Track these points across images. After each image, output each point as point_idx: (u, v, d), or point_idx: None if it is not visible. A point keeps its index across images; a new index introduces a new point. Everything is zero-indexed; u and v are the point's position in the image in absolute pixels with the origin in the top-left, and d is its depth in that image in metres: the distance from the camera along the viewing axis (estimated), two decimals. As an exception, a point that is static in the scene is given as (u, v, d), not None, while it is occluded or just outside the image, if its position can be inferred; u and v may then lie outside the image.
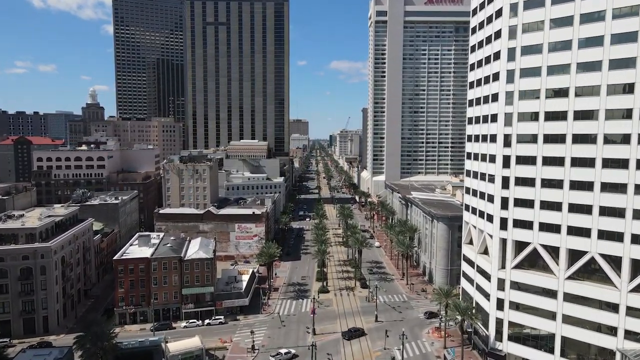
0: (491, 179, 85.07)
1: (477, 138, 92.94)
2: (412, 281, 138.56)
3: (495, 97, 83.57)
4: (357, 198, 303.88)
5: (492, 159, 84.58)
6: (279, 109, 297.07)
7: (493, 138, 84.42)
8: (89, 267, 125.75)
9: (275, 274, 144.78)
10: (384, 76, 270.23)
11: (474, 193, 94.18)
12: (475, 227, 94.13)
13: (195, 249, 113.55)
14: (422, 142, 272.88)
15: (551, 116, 75.85)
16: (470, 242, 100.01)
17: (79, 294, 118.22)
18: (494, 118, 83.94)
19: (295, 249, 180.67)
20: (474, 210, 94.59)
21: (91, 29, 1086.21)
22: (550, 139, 76.15)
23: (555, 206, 75.91)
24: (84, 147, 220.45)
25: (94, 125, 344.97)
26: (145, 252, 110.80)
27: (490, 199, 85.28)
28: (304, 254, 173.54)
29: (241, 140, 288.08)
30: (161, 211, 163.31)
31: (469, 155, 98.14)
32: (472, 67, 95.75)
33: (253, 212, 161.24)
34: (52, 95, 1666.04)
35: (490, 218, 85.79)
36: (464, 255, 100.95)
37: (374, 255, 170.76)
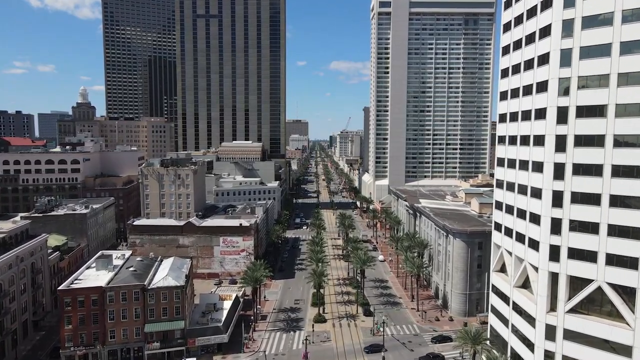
0: (536, 193, 65.14)
1: (513, 140, 73.00)
2: (423, 306, 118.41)
3: (543, 86, 63.68)
4: (358, 203, 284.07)
5: (538, 167, 64.66)
6: (275, 108, 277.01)
7: (539, 140, 64.49)
8: (40, 293, 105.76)
9: (264, 297, 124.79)
10: (388, 72, 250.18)
11: (509, 210, 74.21)
12: (510, 253, 74.17)
13: (164, 274, 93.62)
14: (429, 144, 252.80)
15: (625, 110, 55.98)
16: (502, 270, 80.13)
17: (25, 327, 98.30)
18: (541, 114, 64.04)
19: (290, 264, 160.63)
20: (508, 232, 74.63)
21: (89, 29, 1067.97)
22: (623, 141, 56.27)
23: (631, 233, 56.00)
24: (58, 148, 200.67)
25: (79, 125, 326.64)
26: (102, 278, 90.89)
27: (535, 219, 65.34)
28: (298, 270, 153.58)
29: (234, 142, 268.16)
30: (136, 222, 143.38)
31: (500, 161, 78.25)
32: (507, 50, 75.79)
33: (240, 224, 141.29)
34: (52, 95, 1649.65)
35: (534, 244, 65.83)
36: (493, 286, 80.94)
37: (378, 272, 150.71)
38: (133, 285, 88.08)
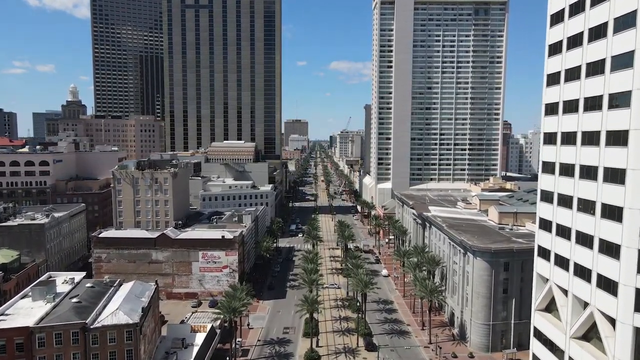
0: (613, 213, 46.02)
1: (569, 137, 53.90)
2: (436, 337, 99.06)
3: (623, 61, 44.55)
4: (358, 208, 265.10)
5: (617, 176, 45.55)
6: (269, 106, 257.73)
7: (617, 137, 45.39)
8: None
9: (248, 325, 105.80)
10: (391, 67, 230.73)
11: (563, 232, 55.09)
12: (564, 290, 55.07)
13: (114, 306, 74.53)
14: (435, 144, 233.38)
15: None
16: (548, 309, 61.02)
17: (-55, 371, 79.19)
18: (619, 100, 44.94)
19: (281, 280, 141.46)
20: (561, 262, 55.51)
21: (88, 28, 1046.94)
22: None
23: None
24: (25, 149, 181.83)
25: (62, 124, 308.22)
26: (35, 313, 71.73)
27: (610, 250, 46.23)
28: (291, 288, 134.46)
29: (224, 141, 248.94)
30: (102, 235, 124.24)
31: (547, 166, 59.21)
32: (558, 18, 56.63)
33: (222, 236, 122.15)
34: (52, 95, 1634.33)
35: (608, 286, 46.67)
36: (536, 330, 61.75)
37: (382, 290, 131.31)
38: (71, 324, 68.89)
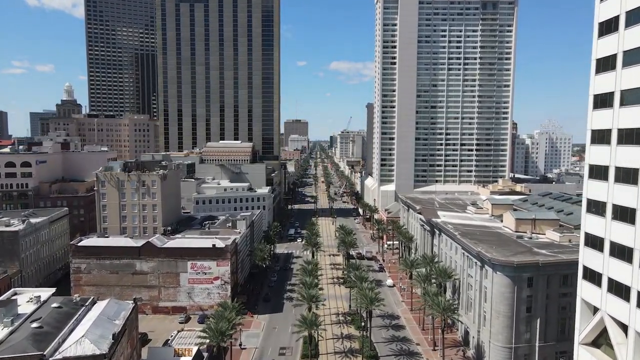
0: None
1: (629, 136, 43.44)
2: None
3: None
4: (360, 210, 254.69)
5: None
6: (268, 104, 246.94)
7: None
8: None
9: (240, 345, 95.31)
10: (394, 64, 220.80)
11: (620, 253, 44.59)
12: (623, 325, 44.57)
13: (81, 332, 64.05)
14: (441, 144, 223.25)
15: None
16: (595, 343, 50.50)
17: None
18: None
19: (278, 291, 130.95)
20: (618, 290, 44.98)
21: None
22: None
23: None
24: (7, 149, 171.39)
25: (53, 124, 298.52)
26: (-14, 341, 61.37)
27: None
28: (288, 299, 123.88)
29: (220, 141, 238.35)
30: (81, 243, 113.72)
31: (596, 170, 48.71)
32: (612, -10, 46.17)
33: (213, 245, 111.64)
34: (51, 95, 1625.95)
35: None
36: (582, 368, 51.24)
37: (388, 302, 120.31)
38: (25, 356, 58.31)
